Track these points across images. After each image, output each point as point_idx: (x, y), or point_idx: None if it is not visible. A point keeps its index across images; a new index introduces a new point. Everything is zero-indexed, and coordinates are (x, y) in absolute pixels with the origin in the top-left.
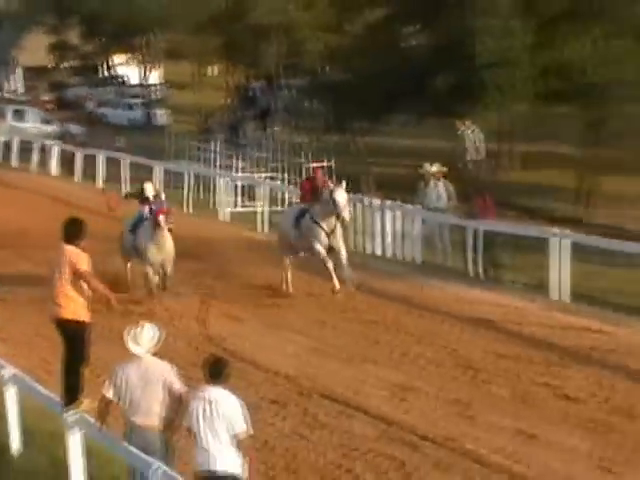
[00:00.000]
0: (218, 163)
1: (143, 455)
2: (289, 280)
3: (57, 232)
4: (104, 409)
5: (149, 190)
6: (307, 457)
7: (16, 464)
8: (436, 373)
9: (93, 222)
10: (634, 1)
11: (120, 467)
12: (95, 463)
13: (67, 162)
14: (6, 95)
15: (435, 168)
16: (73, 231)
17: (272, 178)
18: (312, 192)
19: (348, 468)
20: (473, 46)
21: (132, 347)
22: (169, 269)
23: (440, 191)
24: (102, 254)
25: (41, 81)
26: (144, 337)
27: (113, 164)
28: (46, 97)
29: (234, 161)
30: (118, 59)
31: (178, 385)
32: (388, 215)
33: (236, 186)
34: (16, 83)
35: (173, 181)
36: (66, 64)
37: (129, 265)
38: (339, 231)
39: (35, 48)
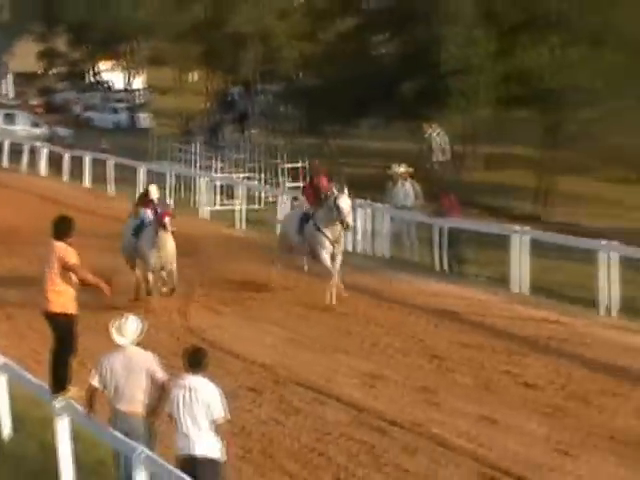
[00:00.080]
0: (198, 164)
1: (127, 440)
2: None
3: (46, 229)
4: (91, 397)
5: (154, 192)
6: (282, 441)
7: (7, 449)
8: (404, 362)
9: (81, 220)
10: (588, 11)
11: (106, 451)
12: (82, 447)
13: (55, 163)
14: None
15: (403, 169)
16: (62, 228)
17: (249, 178)
18: (315, 196)
19: (321, 452)
20: (438, 54)
21: (117, 338)
22: (173, 267)
23: (407, 190)
24: (90, 250)
25: (30, 86)
26: (128, 328)
27: (99, 165)
28: (35, 101)
29: (213, 162)
30: (104, 65)
31: (160, 374)
32: (359, 213)
33: (215, 186)
34: (7, 88)
35: (155, 181)
36: (54, 70)
37: (138, 272)
38: (342, 240)
39: (25, 55)
